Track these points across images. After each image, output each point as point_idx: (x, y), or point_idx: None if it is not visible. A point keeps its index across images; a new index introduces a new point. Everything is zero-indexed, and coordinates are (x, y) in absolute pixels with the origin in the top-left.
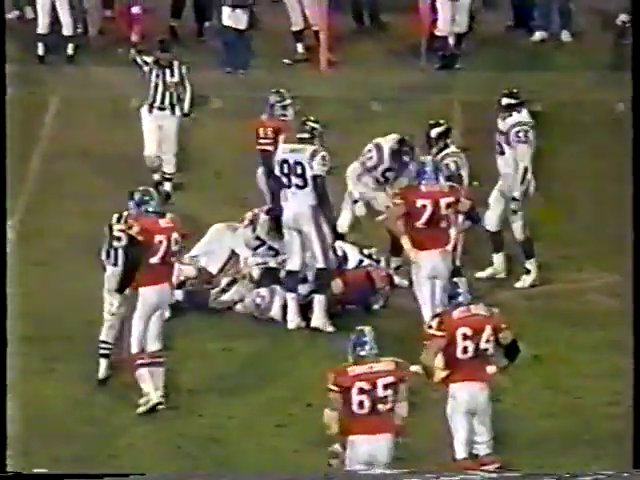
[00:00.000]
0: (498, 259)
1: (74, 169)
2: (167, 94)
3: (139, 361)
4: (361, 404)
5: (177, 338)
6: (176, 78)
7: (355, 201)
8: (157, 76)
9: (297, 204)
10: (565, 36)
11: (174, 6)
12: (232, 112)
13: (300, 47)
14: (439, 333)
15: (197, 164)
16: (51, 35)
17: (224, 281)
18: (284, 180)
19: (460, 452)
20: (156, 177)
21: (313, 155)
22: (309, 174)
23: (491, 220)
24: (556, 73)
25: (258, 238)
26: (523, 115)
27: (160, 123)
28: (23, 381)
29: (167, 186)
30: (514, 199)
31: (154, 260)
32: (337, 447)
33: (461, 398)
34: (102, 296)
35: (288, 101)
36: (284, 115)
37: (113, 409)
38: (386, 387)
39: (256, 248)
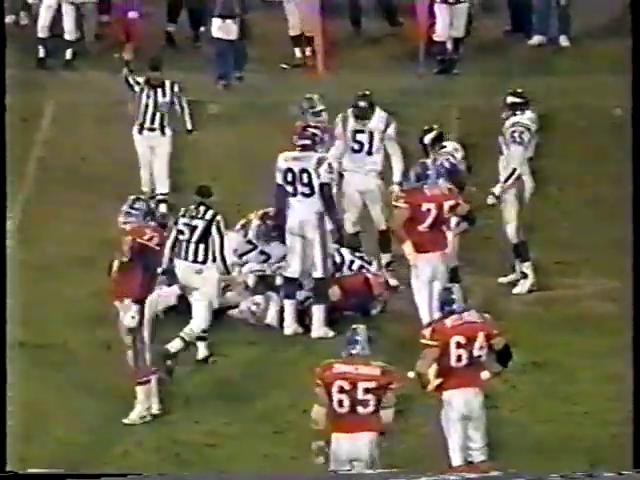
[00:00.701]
0: (528, 269)
1: (71, 174)
2: (157, 114)
3: (154, 369)
4: (340, 403)
5: None
6: (167, 98)
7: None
8: (148, 96)
9: (304, 212)
10: (563, 41)
11: (170, 11)
12: (229, 117)
13: (298, 52)
14: (432, 343)
15: (193, 169)
16: (50, 40)
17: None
18: (289, 189)
19: (456, 459)
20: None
21: (319, 163)
22: (316, 182)
23: (512, 232)
24: (554, 78)
25: (250, 242)
26: (524, 117)
27: (151, 144)
28: (19, 387)
29: (162, 208)
30: (492, 194)
31: (160, 270)
32: (321, 443)
33: (456, 405)
34: (97, 302)
35: (320, 107)
36: (318, 122)
37: (109, 415)
38: (367, 391)
39: (247, 252)
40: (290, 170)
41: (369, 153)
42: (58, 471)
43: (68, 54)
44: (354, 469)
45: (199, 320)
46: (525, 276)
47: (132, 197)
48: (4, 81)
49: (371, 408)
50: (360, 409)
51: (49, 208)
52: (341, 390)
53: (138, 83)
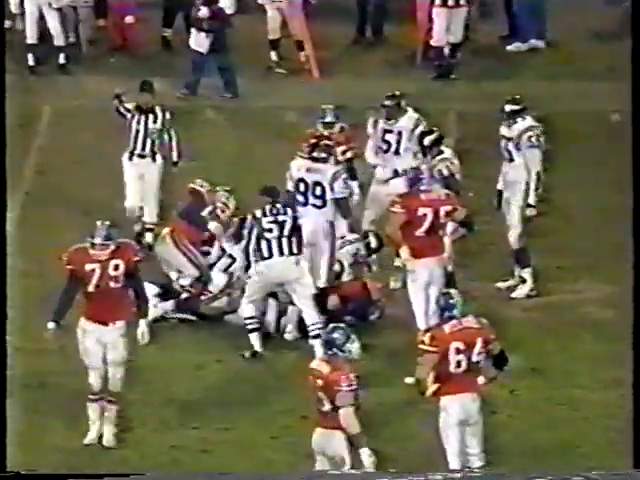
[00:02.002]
0: (527, 274)
1: (67, 179)
2: (148, 141)
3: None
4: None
5: (171, 350)
6: (158, 124)
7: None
8: (138, 122)
9: (314, 221)
10: (540, 44)
11: (165, 16)
12: (226, 123)
13: (274, 55)
14: (432, 349)
15: (190, 174)
16: (42, 45)
17: (216, 289)
18: (299, 198)
19: (454, 464)
20: (137, 228)
21: (335, 178)
22: (329, 196)
23: (515, 238)
24: (551, 83)
25: (221, 249)
26: (530, 121)
27: (141, 171)
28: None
29: (148, 237)
30: (529, 205)
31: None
32: None
33: (453, 410)
34: None
35: (330, 118)
36: (330, 132)
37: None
38: (319, 389)
39: (219, 259)
40: (302, 180)
41: (396, 153)
42: (58, 471)
43: (61, 59)
44: (329, 465)
45: (314, 314)
46: (524, 281)
47: (103, 225)
48: (4, 86)
49: (327, 407)
50: (320, 406)
51: (45, 214)
52: (314, 387)
53: (129, 110)
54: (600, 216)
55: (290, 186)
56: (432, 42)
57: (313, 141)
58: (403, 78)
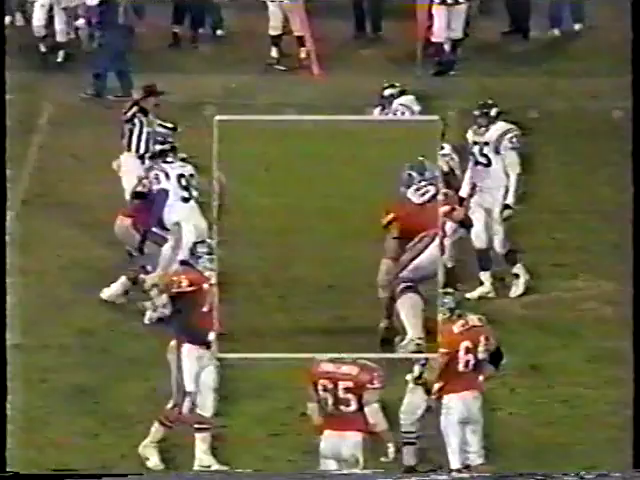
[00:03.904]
0: (486, 277)
1: (67, 177)
2: (152, 141)
3: None
4: (325, 401)
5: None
6: (158, 121)
7: None
8: (148, 125)
9: (197, 216)
10: (557, 32)
11: (175, 13)
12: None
13: (274, 51)
14: (443, 350)
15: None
16: (45, 39)
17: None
18: (184, 194)
19: (454, 462)
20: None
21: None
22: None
23: (480, 237)
24: (552, 79)
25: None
26: (503, 124)
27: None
28: (16, 390)
29: None
30: (507, 206)
31: None
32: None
33: (456, 408)
34: (95, 305)
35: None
36: None
37: (105, 419)
38: (347, 390)
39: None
40: (182, 176)
41: None
42: (58, 471)
43: (60, 56)
44: (340, 467)
45: None
46: (517, 276)
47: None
48: (4, 83)
49: (353, 407)
50: (343, 408)
51: (45, 211)
52: (324, 389)
53: (135, 115)
54: (599, 213)
55: (173, 185)
56: (432, 38)
57: (160, 148)
58: (403, 74)
